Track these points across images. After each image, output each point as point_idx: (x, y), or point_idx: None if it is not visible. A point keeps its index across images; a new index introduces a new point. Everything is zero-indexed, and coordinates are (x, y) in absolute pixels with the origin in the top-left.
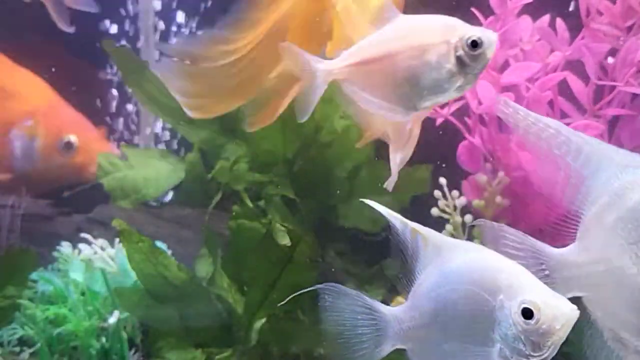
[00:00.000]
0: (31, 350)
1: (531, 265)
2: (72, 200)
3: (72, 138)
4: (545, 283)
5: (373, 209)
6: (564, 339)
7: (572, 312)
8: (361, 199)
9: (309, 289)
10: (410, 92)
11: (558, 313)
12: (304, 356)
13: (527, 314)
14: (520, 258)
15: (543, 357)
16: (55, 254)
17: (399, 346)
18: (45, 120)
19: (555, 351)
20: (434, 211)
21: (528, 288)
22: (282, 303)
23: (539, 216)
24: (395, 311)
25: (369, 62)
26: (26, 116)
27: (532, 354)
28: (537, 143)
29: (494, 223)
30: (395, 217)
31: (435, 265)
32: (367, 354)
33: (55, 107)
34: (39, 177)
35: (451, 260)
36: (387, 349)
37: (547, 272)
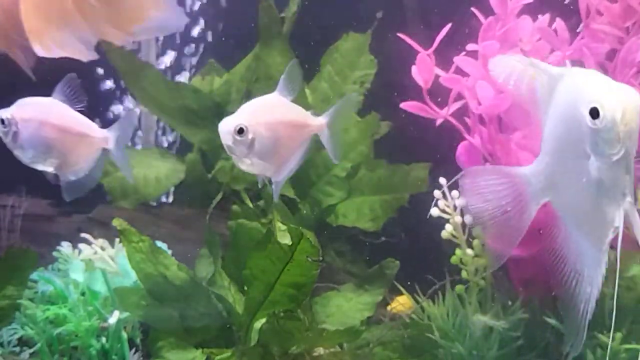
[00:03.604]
0: (31, 350)
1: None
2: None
3: None
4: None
5: (373, 208)
6: None
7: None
8: None
9: None
10: None
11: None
12: (305, 356)
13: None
14: (503, 190)
15: None
16: (55, 254)
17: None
18: None
19: None
20: (434, 211)
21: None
22: None
23: (538, 216)
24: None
25: None
26: None
27: None
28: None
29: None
30: None
31: None
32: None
33: None
34: None
35: None
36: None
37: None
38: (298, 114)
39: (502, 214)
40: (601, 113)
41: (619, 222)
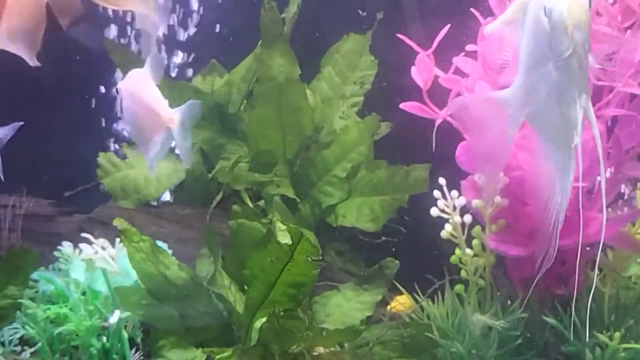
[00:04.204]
0: (32, 349)
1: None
2: (73, 200)
3: None
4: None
5: (372, 208)
6: None
7: None
8: None
9: None
10: None
11: None
12: (305, 355)
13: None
14: (488, 115)
15: None
16: (56, 253)
17: None
18: None
19: None
20: (434, 211)
21: None
22: None
23: (538, 216)
24: None
25: None
26: None
27: None
28: None
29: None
30: None
31: None
32: None
33: None
34: None
35: None
36: None
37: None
38: (152, 98)
39: (490, 136)
40: (552, 11)
41: (578, 120)
